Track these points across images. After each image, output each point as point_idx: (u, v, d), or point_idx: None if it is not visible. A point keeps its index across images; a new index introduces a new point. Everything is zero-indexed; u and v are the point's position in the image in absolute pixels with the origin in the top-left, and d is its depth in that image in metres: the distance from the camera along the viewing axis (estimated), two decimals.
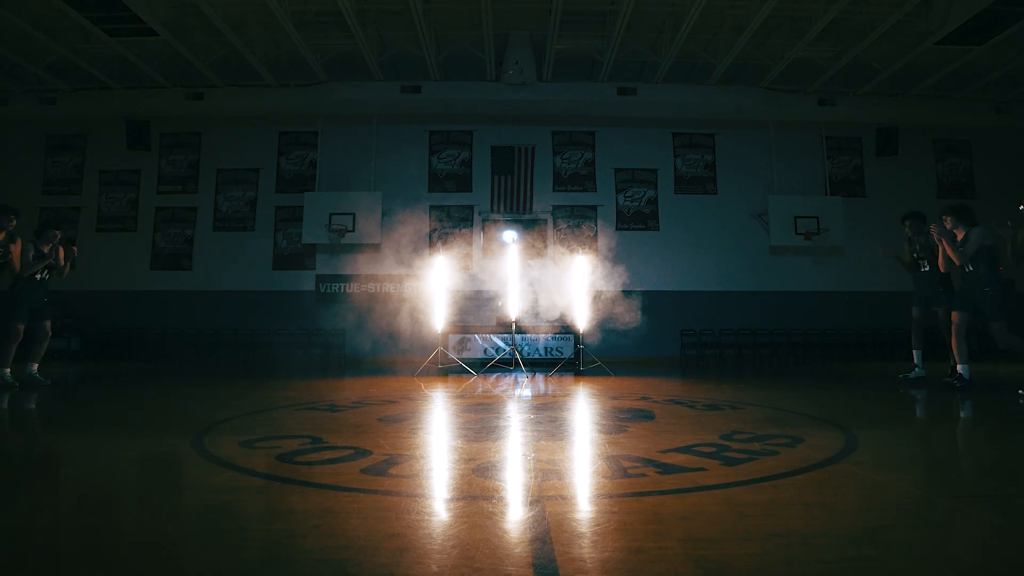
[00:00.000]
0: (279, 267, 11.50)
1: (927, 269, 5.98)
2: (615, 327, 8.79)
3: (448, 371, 7.57)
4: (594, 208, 11.49)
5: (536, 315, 10.56)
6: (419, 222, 11.19)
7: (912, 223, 6.26)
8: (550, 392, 5.15)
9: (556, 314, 9.87)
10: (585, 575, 1.27)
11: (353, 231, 10.52)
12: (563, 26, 8.86)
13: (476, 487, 1.98)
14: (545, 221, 11.43)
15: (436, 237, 11.31)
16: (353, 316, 11.10)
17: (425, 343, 9.34)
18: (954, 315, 5.05)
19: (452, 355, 8.54)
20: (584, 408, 4.10)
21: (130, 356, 10.54)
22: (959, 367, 5.03)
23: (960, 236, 5.12)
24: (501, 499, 1.84)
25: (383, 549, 1.41)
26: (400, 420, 3.47)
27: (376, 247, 10.96)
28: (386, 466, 2.29)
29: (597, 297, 8.00)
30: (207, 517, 1.75)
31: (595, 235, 11.40)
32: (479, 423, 3.36)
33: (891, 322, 11.38)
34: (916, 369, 5.93)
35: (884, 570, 1.31)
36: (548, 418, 3.62)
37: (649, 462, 2.35)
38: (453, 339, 9.42)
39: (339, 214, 10.53)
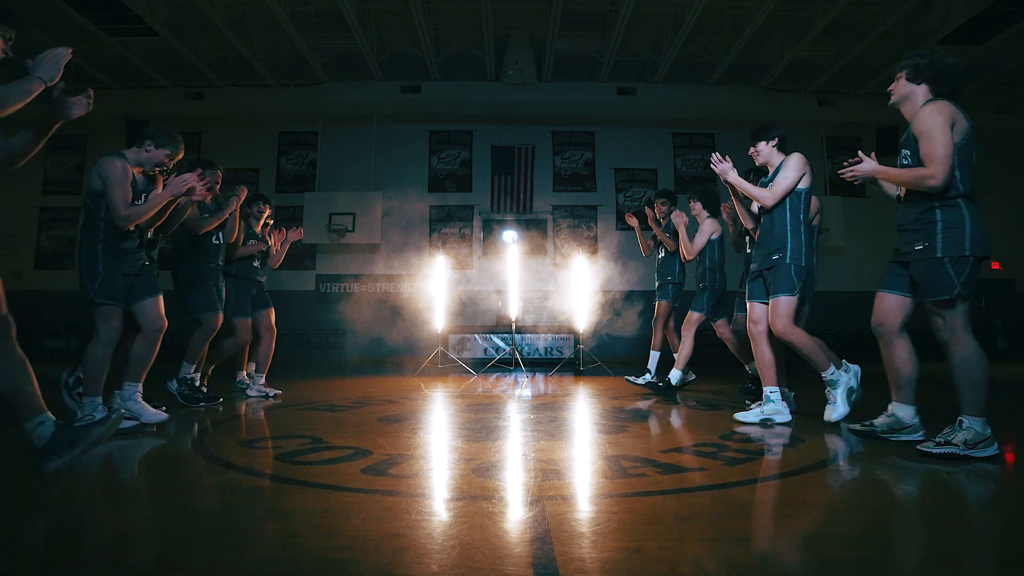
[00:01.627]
0: (280, 267, 11.49)
1: (662, 255, 5.39)
2: (615, 327, 8.80)
3: (448, 371, 7.57)
4: (594, 208, 11.49)
5: (536, 315, 10.56)
6: (419, 222, 11.20)
7: (663, 204, 5.40)
8: (550, 392, 5.15)
9: (556, 314, 9.87)
10: (585, 575, 1.26)
11: (353, 231, 10.52)
12: (563, 26, 8.86)
13: (476, 487, 1.98)
14: (545, 221, 11.43)
15: (436, 237, 11.31)
16: (353, 316, 11.09)
17: (425, 343, 9.34)
18: (691, 313, 4.74)
19: (452, 355, 8.54)
20: (584, 408, 4.10)
21: None
22: (673, 371, 4.73)
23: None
24: (501, 499, 1.84)
25: (383, 549, 1.41)
26: (400, 420, 3.47)
27: (376, 247, 10.97)
28: (386, 466, 2.29)
29: (597, 297, 8.00)
30: (207, 517, 1.75)
31: (595, 235, 11.40)
32: (479, 423, 3.36)
33: None
34: (647, 375, 5.20)
35: (884, 570, 1.31)
36: (548, 418, 3.62)
37: (649, 462, 2.35)
38: (453, 339, 9.43)
39: (339, 214, 10.53)
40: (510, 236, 10.11)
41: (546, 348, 9.52)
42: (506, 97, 10.38)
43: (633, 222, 5.60)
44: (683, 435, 2.94)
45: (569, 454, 2.59)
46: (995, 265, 11.80)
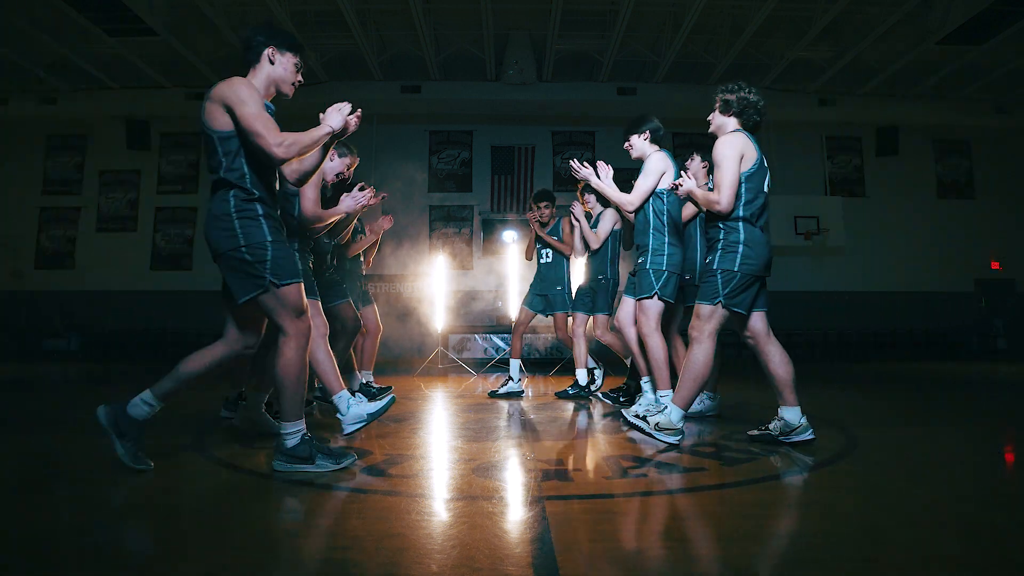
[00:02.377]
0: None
1: (548, 260, 4.84)
2: (615, 327, 8.78)
3: (448, 371, 7.57)
4: None
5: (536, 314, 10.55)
6: (419, 222, 11.20)
7: (546, 207, 4.83)
8: (550, 392, 5.15)
9: None
10: (585, 575, 1.27)
11: None
12: (563, 26, 8.86)
13: (476, 487, 1.98)
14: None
15: (436, 237, 11.31)
16: None
17: (425, 343, 9.34)
18: (598, 317, 4.48)
19: (452, 355, 8.54)
20: (584, 408, 4.10)
21: (129, 356, 10.54)
22: (578, 372, 4.51)
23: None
24: (501, 499, 1.84)
25: (383, 549, 1.41)
26: (400, 420, 3.47)
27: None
28: (386, 466, 2.29)
29: None
30: (206, 517, 1.75)
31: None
32: (479, 423, 3.36)
33: (892, 322, 11.40)
34: (511, 383, 4.72)
35: (884, 570, 1.31)
36: (548, 418, 3.62)
37: (649, 462, 2.35)
38: (453, 339, 9.42)
39: None
40: (510, 236, 10.12)
41: (546, 348, 9.51)
42: (506, 97, 10.38)
43: (536, 226, 4.81)
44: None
45: (569, 454, 2.59)
46: (995, 265, 11.80)
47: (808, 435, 2.59)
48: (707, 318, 2.58)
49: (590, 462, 2.42)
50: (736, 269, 2.54)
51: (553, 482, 2.04)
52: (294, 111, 10.86)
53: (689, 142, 11.87)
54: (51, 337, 10.66)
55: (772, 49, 9.52)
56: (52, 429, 3.21)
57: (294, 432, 2.14)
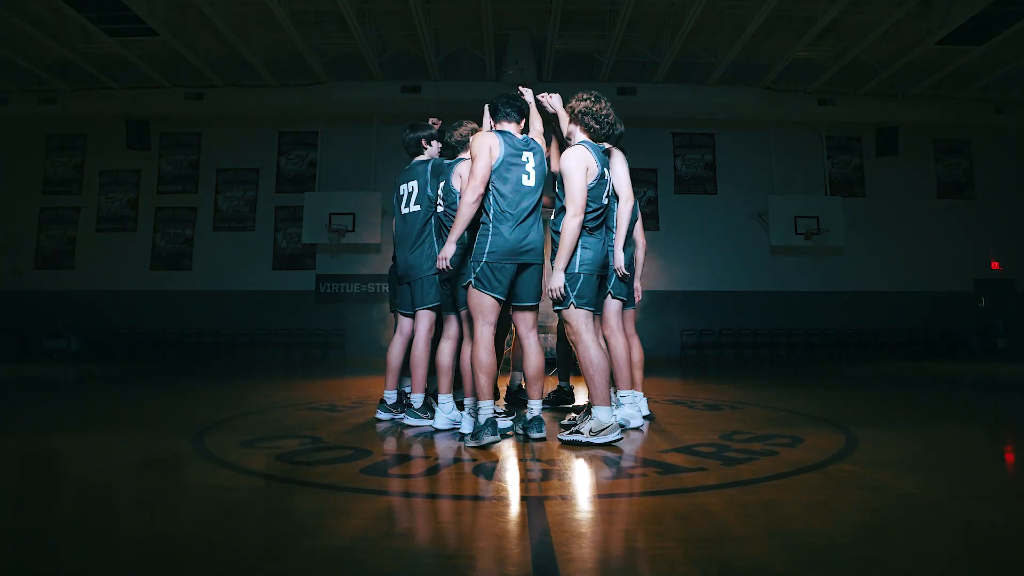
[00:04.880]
0: (279, 267, 11.50)
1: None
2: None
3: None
4: None
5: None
6: None
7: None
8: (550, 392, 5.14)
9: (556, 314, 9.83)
10: (585, 575, 1.27)
11: (353, 231, 10.53)
12: (563, 26, 8.87)
13: (476, 487, 1.98)
14: (546, 220, 11.42)
15: None
16: (353, 316, 11.09)
17: None
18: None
19: None
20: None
21: (130, 356, 10.54)
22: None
23: None
24: (501, 499, 1.84)
25: (383, 549, 1.41)
26: (400, 420, 3.46)
27: (376, 247, 10.97)
28: (386, 466, 2.29)
29: None
30: (207, 517, 1.75)
31: None
32: None
33: (891, 322, 11.40)
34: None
35: (884, 570, 1.31)
36: (548, 418, 3.62)
37: (649, 462, 2.35)
38: None
39: (339, 214, 10.54)
40: None
41: (546, 348, 9.51)
42: None
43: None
44: (683, 435, 2.93)
45: (569, 454, 2.59)
46: (995, 265, 11.81)
47: (615, 435, 2.61)
48: (575, 320, 2.68)
49: (590, 462, 2.42)
50: (577, 271, 2.70)
51: (553, 482, 2.04)
52: (294, 111, 10.85)
53: (689, 142, 11.88)
54: (51, 337, 10.67)
55: (772, 49, 9.53)
56: (51, 429, 3.21)
57: (538, 408, 2.77)
